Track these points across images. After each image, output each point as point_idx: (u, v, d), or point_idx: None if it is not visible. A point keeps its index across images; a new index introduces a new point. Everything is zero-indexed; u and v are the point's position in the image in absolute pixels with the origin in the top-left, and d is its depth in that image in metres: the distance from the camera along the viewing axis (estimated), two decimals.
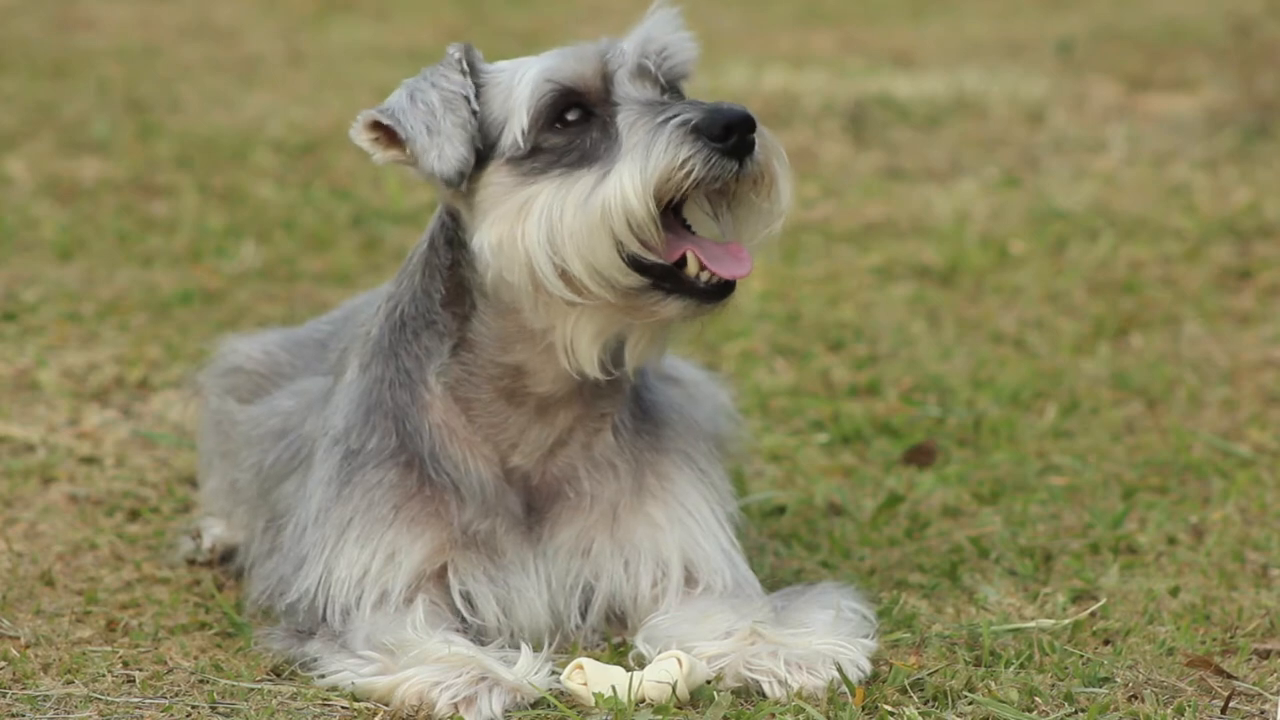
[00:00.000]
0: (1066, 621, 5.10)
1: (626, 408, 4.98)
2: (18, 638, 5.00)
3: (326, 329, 5.53)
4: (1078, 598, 5.34)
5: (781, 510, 6.03)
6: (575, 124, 4.70)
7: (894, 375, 7.33)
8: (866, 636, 4.79)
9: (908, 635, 5.01)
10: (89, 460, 6.36)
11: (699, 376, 5.48)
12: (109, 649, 4.95)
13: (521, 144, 4.70)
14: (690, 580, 4.98)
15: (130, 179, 10.19)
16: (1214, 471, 6.33)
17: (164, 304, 8.10)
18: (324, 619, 4.86)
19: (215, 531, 5.60)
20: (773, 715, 4.52)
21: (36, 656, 4.88)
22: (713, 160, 4.60)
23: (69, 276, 8.46)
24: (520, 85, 4.72)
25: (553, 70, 4.72)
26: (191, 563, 5.57)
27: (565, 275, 4.66)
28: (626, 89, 4.71)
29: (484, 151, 4.73)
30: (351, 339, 5.15)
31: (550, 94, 4.70)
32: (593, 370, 4.77)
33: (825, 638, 4.72)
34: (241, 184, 10.15)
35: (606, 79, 4.71)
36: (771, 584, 5.25)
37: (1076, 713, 4.61)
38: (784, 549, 5.71)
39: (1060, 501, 6.09)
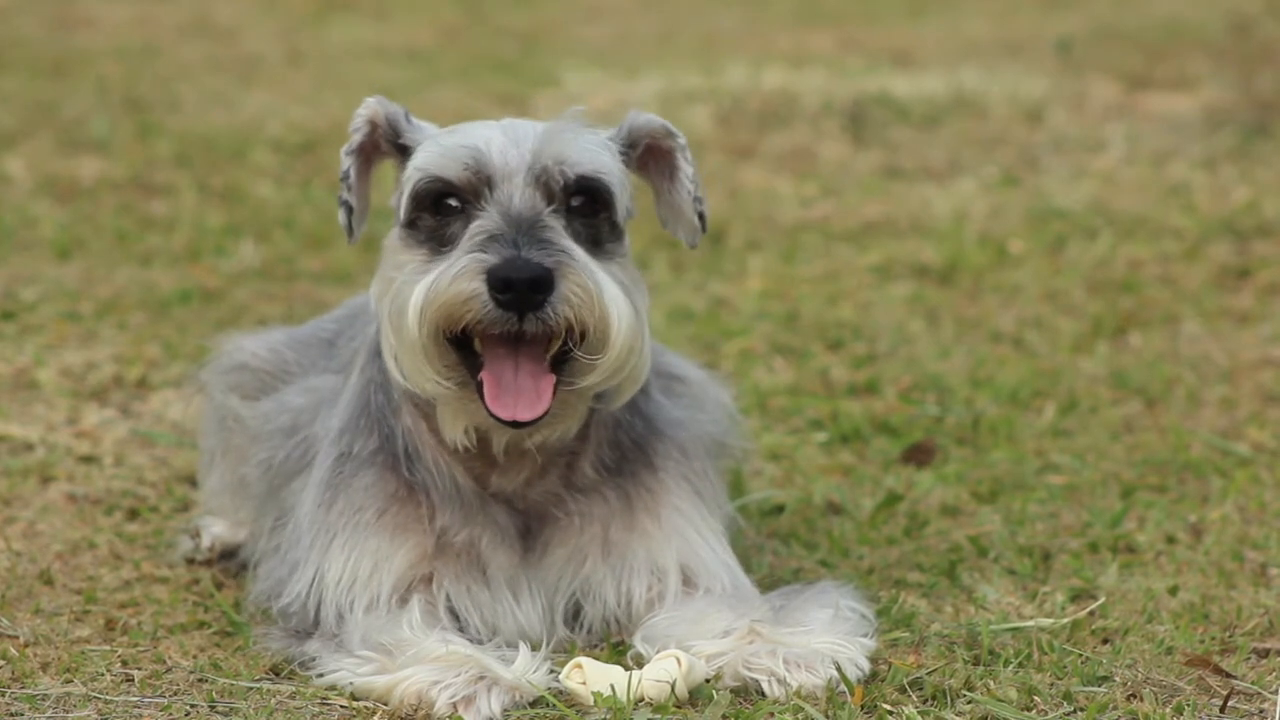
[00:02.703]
0: (1065, 620, 5.10)
1: (607, 434, 4.96)
2: (17, 637, 5.00)
3: (331, 328, 5.53)
4: (1076, 597, 5.34)
5: (780, 509, 6.03)
6: (451, 211, 4.75)
7: (893, 374, 7.33)
8: (865, 635, 4.79)
9: (906, 634, 5.01)
10: (88, 459, 6.36)
11: (701, 376, 5.47)
12: (108, 648, 4.95)
13: (402, 215, 4.81)
14: (689, 583, 4.97)
15: (129, 178, 10.19)
16: (1212, 470, 6.33)
17: (163, 303, 8.10)
18: (317, 622, 4.86)
19: (214, 530, 5.60)
20: (771, 714, 4.52)
21: (35, 655, 4.88)
22: (489, 307, 4.61)
23: (68, 275, 8.46)
24: (410, 165, 4.81)
25: (426, 162, 4.77)
26: (190, 561, 5.57)
27: (396, 360, 4.75)
28: (505, 192, 4.71)
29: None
30: (365, 338, 5.17)
31: (423, 182, 4.76)
32: (462, 442, 4.83)
33: (824, 636, 4.72)
34: (240, 183, 10.14)
35: (480, 179, 4.72)
36: (770, 583, 5.25)
37: (1075, 711, 4.61)
38: (783, 548, 5.71)
39: (1059, 500, 6.09)
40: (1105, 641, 5.03)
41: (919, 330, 7.90)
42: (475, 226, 4.67)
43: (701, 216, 4.95)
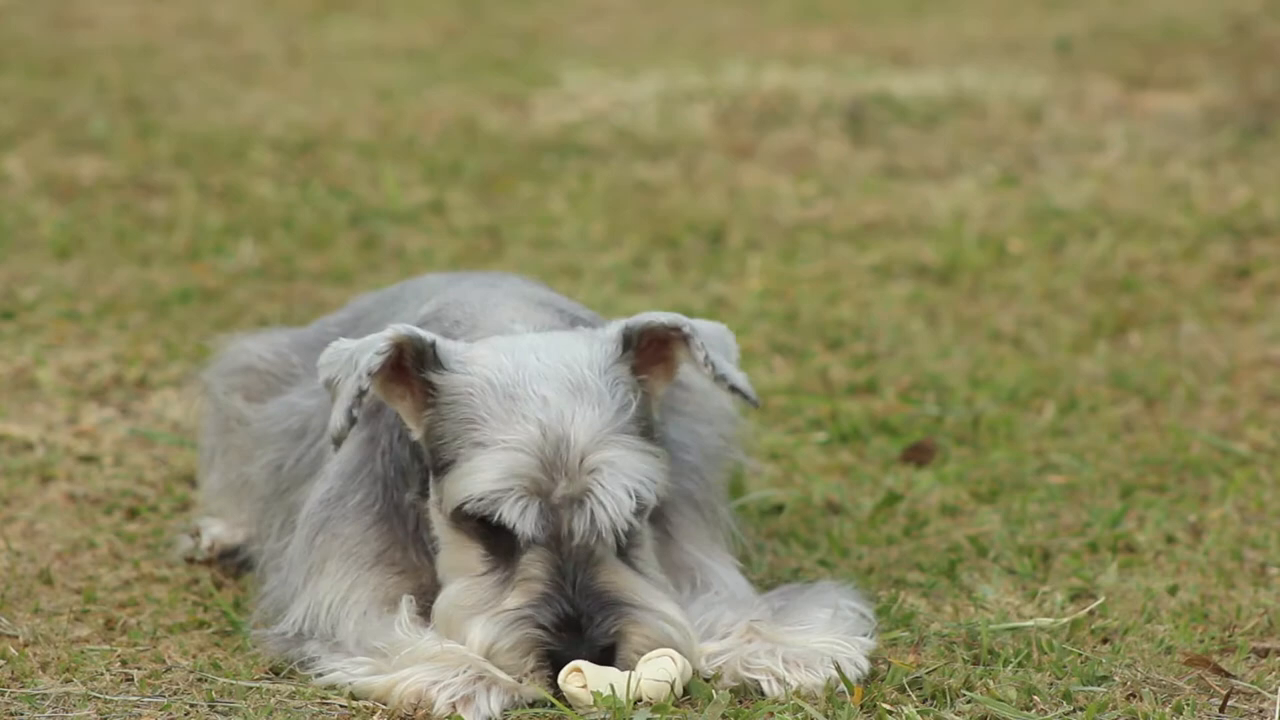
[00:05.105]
0: (1065, 620, 5.10)
1: None
2: (16, 636, 5.00)
3: (335, 331, 5.50)
4: (1076, 596, 5.35)
5: (780, 509, 6.03)
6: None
7: (892, 374, 7.33)
8: (865, 635, 4.79)
9: (906, 634, 5.01)
10: (87, 459, 6.36)
11: (704, 384, 5.45)
12: (107, 647, 4.95)
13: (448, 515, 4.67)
14: (703, 588, 4.95)
15: (129, 177, 10.19)
16: (1212, 470, 6.33)
17: (162, 302, 8.09)
18: (314, 633, 4.83)
19: (214, 530, 5.60)
20: (771, 714, 4.52)
21: (35, 655, 4.88)
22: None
23: (67, 275, 8.46)
24: (478, 471, 4.59)
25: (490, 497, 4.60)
26: (190, 561, 5.57)
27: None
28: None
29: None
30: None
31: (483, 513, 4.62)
32: None
33: (824, 636, 4.72)
34: (240, 182, 10.14)
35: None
36: (769, 582, 5.25)
37: (1075, 711, 4.61)
38: (782, 547, 5.71)
39: (1059, 500, 6.09)
40: (1105, 641, 5.03)
41: (919, 330, 7.90)
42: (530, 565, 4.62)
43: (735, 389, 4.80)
